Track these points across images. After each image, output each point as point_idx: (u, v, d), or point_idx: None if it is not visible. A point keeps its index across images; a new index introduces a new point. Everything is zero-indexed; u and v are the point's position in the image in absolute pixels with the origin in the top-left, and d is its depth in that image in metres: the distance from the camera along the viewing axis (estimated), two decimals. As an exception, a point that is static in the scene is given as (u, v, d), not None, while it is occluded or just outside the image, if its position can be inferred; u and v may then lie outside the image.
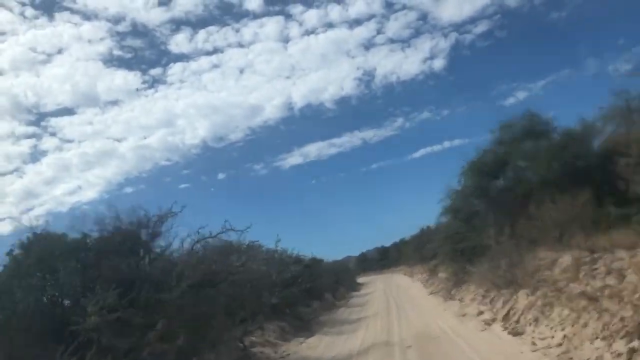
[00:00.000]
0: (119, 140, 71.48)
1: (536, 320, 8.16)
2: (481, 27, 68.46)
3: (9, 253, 8.10)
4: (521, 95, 62.57)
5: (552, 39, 63.55)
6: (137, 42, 70.41)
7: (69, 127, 71.39)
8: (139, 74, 75.08)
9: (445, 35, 68.07)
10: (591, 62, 56.98)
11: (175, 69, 72.05)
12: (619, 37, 57.92)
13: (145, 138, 76.69)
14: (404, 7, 70.42)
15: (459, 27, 72.45)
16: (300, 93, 79.74)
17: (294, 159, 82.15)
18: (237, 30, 71.30)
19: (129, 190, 64.63)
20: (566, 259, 8.99)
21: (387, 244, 78.48)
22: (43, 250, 8.04)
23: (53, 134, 69.23)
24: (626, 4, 53.28)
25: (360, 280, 60.55)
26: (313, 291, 26.95)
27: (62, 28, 63.09)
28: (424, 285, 26.20)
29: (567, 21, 58.60)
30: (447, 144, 69.06)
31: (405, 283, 35.36)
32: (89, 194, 62.78)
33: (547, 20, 59.83)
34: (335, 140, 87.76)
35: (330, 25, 69.23)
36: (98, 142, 66.81)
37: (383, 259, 77.48)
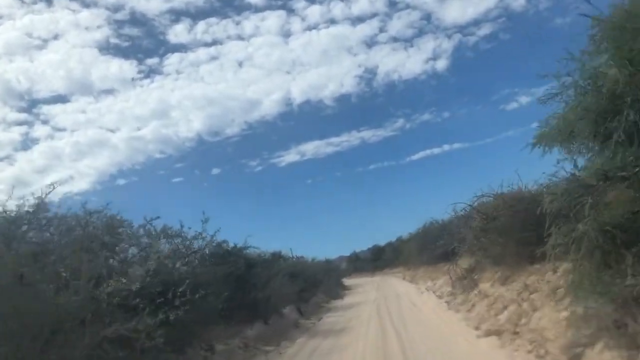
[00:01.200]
0: (112, 131, 71.05)
1: None
2: (485, 30, 67.00)
3: None
4: (523, 100, 61.50)
5: (556, 44, 57.23)
6: (134, 31, 70.21)
7: (62, 115, 70.17)
8: (135, 63, 75.07)
9: (449, 36, 65.59)
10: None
11: (173, 59, 69.81)
12: None
13: (139, 129, 75.30)
14: (408, 7, 68.88)
15: (463, 28, 72.64)
16: (299, 89, 78.46)
17: (291, 156, 78.87)
18: (238, 23, 70.37)
19: (121, 182, 63.77)
20: None
21: (382, 243, 68.66)
22: None
23: (45, 122, 68.59)
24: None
25: (349, 282, 51.14)
26: (267, 305, 16.09)
27: (60, 14, 63.50)
28: (447, 302, 15.16)
29: (572, 27, 52.15)
30: (446, 147, 69.94)
31: (407, 292, 24.40)
32: (81, 184, 61.95)
33: (552, 25, 56.88)
34: (334, 139, 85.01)
35: (332, 22, 69.62)
36: (91, 131, 65.73)
37: (377, 260, 66.64)
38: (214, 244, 15.26)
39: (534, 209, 10.76)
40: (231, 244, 16.46)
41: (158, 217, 12.94)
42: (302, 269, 25.70)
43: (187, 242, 13.73)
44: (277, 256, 24.42)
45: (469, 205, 14.54)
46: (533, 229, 10.54)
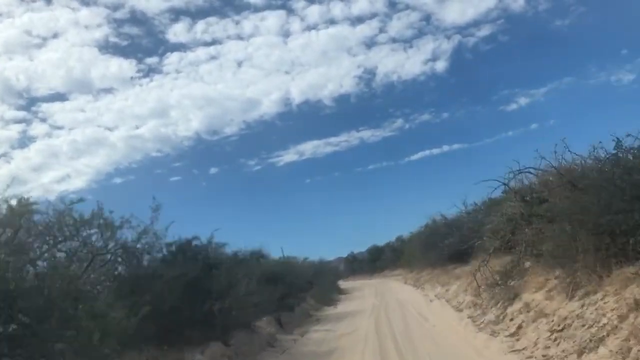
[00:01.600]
0: (110, 129, 70.60)
1: None
2: (484, 31, 64.72)
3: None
4: (523, 101, 62.08)
5: (555, 46, 63.10)
6: (134, 30, 69.87)
7: (60, 114, 69.55)
8: (134, 62, 74.55)
9: (448, 37, 65.41)
10: (594, 70, 58.64)
11: (172, 58, 68.51)
12: (622, 48, 60.09)
13: (137, 128, 74.90)
14: (408, 7, 67.54)
15: (463, 29, 71.61)
16: (298, 89, 76.36)
17: (289, 156, 75.71)
18: (237, 23, 67.95)
19: (118, 180, 63.92)
20: None
21: (381, 243, 64.51)
22: None
23: (43, 120, 67.57)
24: (630, 15, 54.11)
25: (346, 284, 47.50)
26: (226, 318, 12.06)
27: (60, 12, 62.43)
28: (471, 317, 11.22)
29: (571, 29, 56.87)
30: (445, 147, 68.81)
31: (412, 299, 20.46)
32: (77, 183, 62.63)
33: (551, 27, 57.80)
34: (332, 139, 79.37)
35: (332, 22, 68.58)
36: (89, 129, 65.12)
37: (375, 260, 62.66)
38: (160, 239, 11.44)
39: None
40: (196, 241, 12.77)
41: (81, 200, 9.29)
42: (286, 271, 21.72)
43: (107, 235, 9.83)
44: (256, 255, 20.54)
45: (503, 184, 10.61)
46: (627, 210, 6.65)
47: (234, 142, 72.83)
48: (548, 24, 60.52)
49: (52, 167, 70.31)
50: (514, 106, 63.54)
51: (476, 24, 75.04)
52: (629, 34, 57.69)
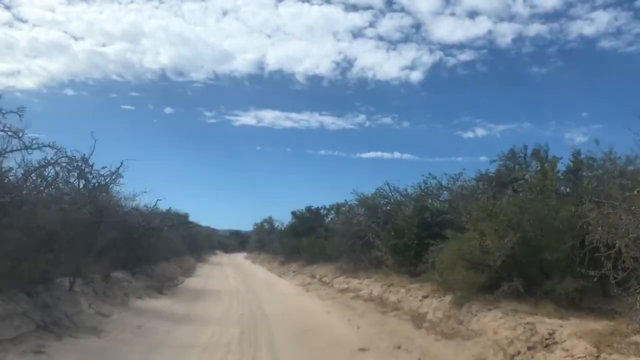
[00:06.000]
0: (75, 38, 63.36)
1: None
2: (466, 55, 67.00)
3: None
4: (480, 132, 64.34)
5: (526, 90, 65.39)
6: None
7: (27, 6, 65.57)
8: None
9: (431, 51, 68.62)
10: (552, 124, 60.53)
11: None
12: (583, 111, 64.17)
13: (103, 45, 69.69)
14: (402, 10, 70.08)
15: (447, 48, 75.46)
16: (275, 56, 78.85)
17: (247, 119, 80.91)
18: None
19: (70, 92, 61.23)
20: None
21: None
22: None
23: (7, 8, 63.44)
24: (600, 82, 55.26)
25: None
26: None
27: None
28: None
29: (545, 79, 60.62)
30: (397, 154, 73.00)
31: None
32: (27, 83, 60.43)
33: (528, 71, 61.54)
34: (294, 115, 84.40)
35: (327, 0, 70.92)
36: (53, 32, 57.88)
37: (298, 234, 29.29)
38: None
39: None
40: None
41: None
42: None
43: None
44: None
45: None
46: None
47: (197, 89, 73.20)
48: (526, 68, 62.88)
49: (5, 59, 65.11)
50: (470, 134, 65.52)
51: (461, 46, 76.89)
52: (594, 99, 60.87)
